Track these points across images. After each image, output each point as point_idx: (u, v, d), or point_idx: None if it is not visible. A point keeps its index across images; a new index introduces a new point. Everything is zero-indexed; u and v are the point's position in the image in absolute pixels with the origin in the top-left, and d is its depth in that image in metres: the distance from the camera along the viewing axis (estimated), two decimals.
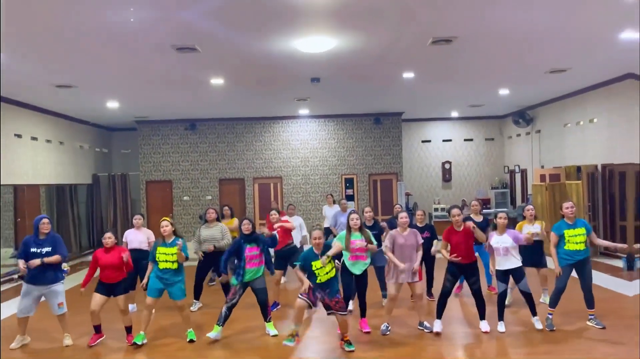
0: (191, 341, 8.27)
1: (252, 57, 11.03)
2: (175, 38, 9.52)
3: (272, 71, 12.34)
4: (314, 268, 7.57)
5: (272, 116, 20.08)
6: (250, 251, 8.38)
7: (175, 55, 10.48)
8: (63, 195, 18.20)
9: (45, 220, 8.35)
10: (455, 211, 8.43)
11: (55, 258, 8.19)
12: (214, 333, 8.26)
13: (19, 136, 15.03)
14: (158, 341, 8.44)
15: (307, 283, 7.56)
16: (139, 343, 8.20)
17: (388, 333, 8.46)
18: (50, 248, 8.18)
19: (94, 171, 20.22)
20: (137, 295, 10.25)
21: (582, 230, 8.39)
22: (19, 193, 15.39)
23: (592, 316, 8.58)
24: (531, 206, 9.70)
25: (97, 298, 8.18)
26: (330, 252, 7.62)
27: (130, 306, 10.05)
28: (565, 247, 8.39)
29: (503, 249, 8.30)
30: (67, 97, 14.31)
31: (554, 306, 8.49)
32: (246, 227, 8.45)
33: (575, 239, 8.34)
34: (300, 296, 7.56)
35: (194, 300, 10.35)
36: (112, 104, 15.92)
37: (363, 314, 8.68)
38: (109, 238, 8.28)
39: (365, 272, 8.50)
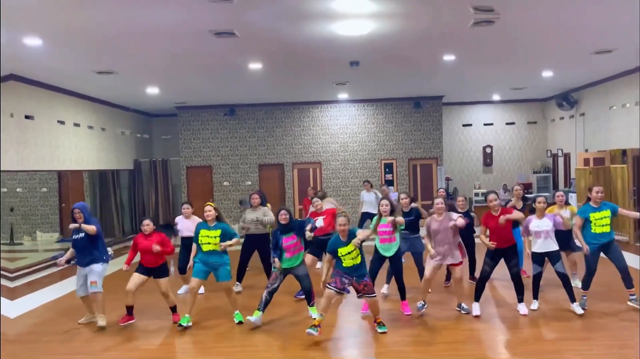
0: (240, 322, 8.42)
1: (291, 41, 10.97)
2: (214, 23, 9.49)
3: (311, 55, 12.26)
4: (339, 254, 7.68)
5: (310, 101, 20.00)
6: (287, 241, 8.41)
7: (214, 40, 10.46)
8: (105, 180, 18.48)
9: (76, 209, 8.56)
10: (491, 196, 8.51)
11: (90, 228, 8.42)
12: (254, 317, 8.31)
13: (61, 122, 15.22)
14: (204, 323, 8.60)
15: (325, 274, 7.86)
16: (184, 324, 8.35)
17: (424, 310, 8.65)
18: (83, 234, 8.46)
19: (135, 156, 20.43)
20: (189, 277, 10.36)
21: (608, 213, 8.50)
22: (63, 179, 15.64)
23: (633, 296, 8.58)
24: (561, 192, 9.84)
25: (135, 277, 8.50)
26: (360, 237, 7.65)
27: (184, 287, 10.52)
28: (592, 230, 8.50)
29: (544, 233, 8.34)
30: (108, 83, 14.43)
31: (587, 289, 8.68)
32: (283, 217, 8.48)
33: (601, 222, 8.45)
34: (328, 285, 7.69)
35: (236, 282, 10.52)
36: (152, 90, 16.02)
37: (403, 296, 8.80)
38: (147, 225, 8.58)
39: (397, 254, 8.68)
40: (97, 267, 8.50)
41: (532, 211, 8.70)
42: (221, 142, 20.42)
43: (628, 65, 14.67)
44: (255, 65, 13.08)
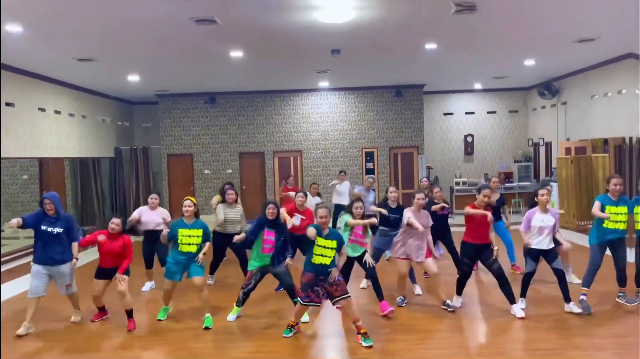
0: (207, 328, 7.85)
1: (272, 29, 10.92)
2: (194, 10, 9.42)
3: (292, 43, 12.22)
4: (317, 242, 7.14)
5: (291, 89, 19.96)
6: (268, 235, 7.94)
7: (195, 27, 10.41)
8: (86, 168, 18.40)
9: (47, 200, 7.84)
10: (486, 191, 8.18)
11: (75, 246, 8.00)
12: (232, 314, 8.19)
13: (42, 110, 15.11)
14: (171, 325, 8.13)
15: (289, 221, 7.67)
16: (163, 318, 8.18)
17: (404, 304, 8.54)
18: (62, 229, 7.85)
19: (116, 144, 20.31)
20: (155, 272, 10.09)
21: (624, 209, 8.09)
22: (44, 166, 15.51)
23: (622, 294, 8.42)
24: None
25: (98, 283, 8.03)
26: (341, 262, 7.52)
27: (149, 284, 10.16)
28: (604, 225, 8.08)
29: (548, 229, 7.92)
30: (88, 70, 14.32)
31: (588, 286, 8.20)
32: (271, 212, 7.94)
33: (617, 217, 8.03)
34: (300, 300, 7.32)
35: (209, 274, 10.23)
36: (133, 77, 15.92)
37: (380, 296, 8.33)
38: (116, 225, 7.97)
39: (364, 255, 8.36)
40: (67, 269, 7.97)
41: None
42: (202, 130, 20.34)
43: (610, 54, 14.76)
44: (236, 53, 13.01)
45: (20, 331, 7.76)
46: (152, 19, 9.87)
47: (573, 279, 9.46)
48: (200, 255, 7.95)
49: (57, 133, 15.95)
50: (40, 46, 11.66)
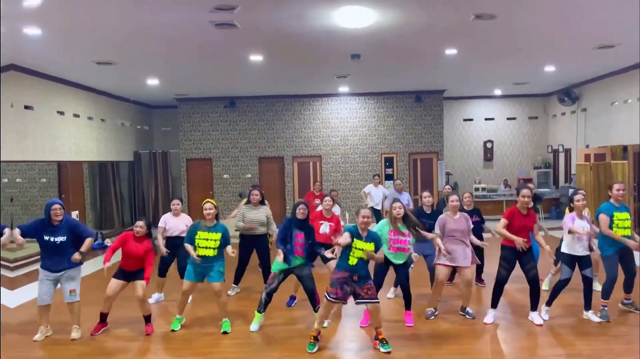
0: (225, 332, 7.76)
1: (292, 33, 10.91)
2: (214, 14, 9.41)
3: (312, 47, 12.20)
4: (353, 244, 6.91)
5: (311, 94, 19.93)
6: (298, 237, 7.81)
7: (215, 31, 10.41)
8: (105, 171, 18.44)
9: (57, 206, 7.50)
10: (525, 191, 7.70)
11: (88, 241, 7.62)
12: (255, 324, 7.93)
13: (61, 113, 15.19)
14: (192, 331, 8.00)
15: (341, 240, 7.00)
16: (177, 328, 7.94)
17: (432, 317, 8.20)
18: (65, 237, 7.47)
19: (135, 148, 20.39)
20: (167, 284, 9.68)
21: (628, 215, 7.99)
22: (63, 169, 15.57)
23: (629, 300, 8.32)
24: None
25: (114, 284, 7.82)
26: (378, 256, 7.16)
27: (156, 296, 9.61)
28: (613, 231, 7.90)
29: (586, 235, 7.72)
30: (108, 74, 14.37)
31: (608, 298, 8.00)
32: (302, 212, 7.86)
33: (624, 224, 7.90)
34: (327, 295, 7.02)
35: (233, 284, 10.01)
36: (152, 81, 15.97)
37: (408, 306, 8.07)
38: (140, 228, 7.82)
39: (406, 262, 7.92)
40: (74, 273, 7.68)
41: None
42: (221, 134, 20.36)
43: (630, 61, 14.60)
44: (255, 57, 13.02)
45: (37, 336, 7.64)
46: (172, 22, 9.87)
47: (596, 286, 9.11)
48: (229, 251, 7.81)
49: (76, 136, 16.03)
50: (59, 49, 11.71)
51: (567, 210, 8.74)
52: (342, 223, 9.61)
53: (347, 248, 6.99)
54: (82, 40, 11.02)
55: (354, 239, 6.95)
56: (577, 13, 9.90)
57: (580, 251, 7.76)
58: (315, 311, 7.84)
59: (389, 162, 20.21)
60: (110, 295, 7.80)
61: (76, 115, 16.01)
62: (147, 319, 7.93)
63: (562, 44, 12.43)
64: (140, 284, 7.72)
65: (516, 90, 20.20)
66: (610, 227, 7.93)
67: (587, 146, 18.05)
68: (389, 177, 19.67)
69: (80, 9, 8.92)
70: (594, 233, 7.97)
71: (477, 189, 20.22)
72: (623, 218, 7.93)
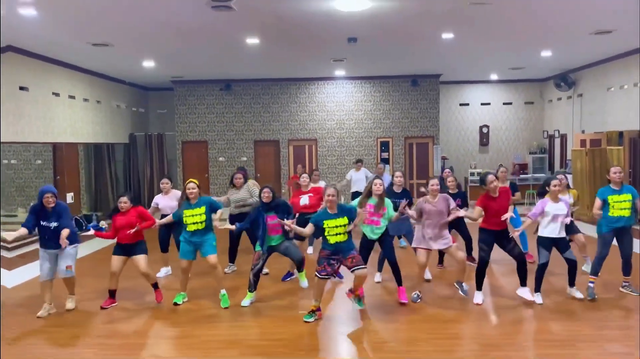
0: (226, 308, 8.11)
1: (289, 16, 10.87)
2: None
3: (309, 30, 12.17)
4: (325, 225, 7.32)
5: (307, 77, 19.90)
6: (271, 219, 8.22)
7: (211, 13, 10.37)
8: (100, 153, 18.43)
9: (49, 195, 7.88)
10: (490, 177, 8.00)
11: (64, 233, 7.75)
12: (246, 300, 8.29)
13: (56, 94, 15.14)
14: (190, 304, 8.38)
15: (299, 230, 7.62)
16: (180, 302, 8.30)
17: (419, 301, 8.29)
18: (58, 223, 7.87)
19: (130, 130, 20.35)
20: (170, 258, 10.08)
21: (629, 196, 8.15)
22: (58, 151, 15.55)
23: (627, 284, 8.48)
24: (562, 176, 9.11)
25: (115, 260, 8.16)
26: (357, 220, 7.51)
27: (164, 269, 10.16)
28: (609, 214, 8.16)
29: (561, 217, 7.90)
30: (104, 55, 14.33)
31: (596, 274, 8.28)
32: (266, 196, 8.29)
33: (621, 205, 8.11)
34: (317, 274, 7.41)
35: (229, 263, 10.36)
36: (148, 63, 15.92)
37: (399, 281, 8.31)
38: (124, 203, 8.20)
39: (386, 238, 8.27)
40: (72, 250, 8.04)
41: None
42: (217, 117, 20.34)
43: (627, 47, 14.62)
44: (252, 40, 12.98)
45: (41, 313, 7.90)
46: (168, 4, 9.84)
47: (589, 268, 9.25)
48: (216, 217, 8.24)
49: (71, 118, 16.00)
50: (55, 30, 11.66)
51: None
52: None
53: (322, 232, 7.39)
54: (78, 21, 10.96)
55: (324, 221, 7.33)
56: None
57: (555, 233, 7.93)
58: (299, 271, 8.64)
59: (384, 146, 20.22)
60: (114, 271, 8.16)
61: (72, 97, 15.96)
62: (155, 286, 8.40)
63: (558, 29, 12.43)
64: (141, 258, 8.15)
65: (512, 75, 20.20)
66: (607, 209, 8.18)
67: (583, 131, 18.08)
68: (384, 161, 19.62)
69: None
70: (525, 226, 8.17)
71: (472, 174, 20.22)
72: (621, 200, 8.13)
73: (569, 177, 15.79)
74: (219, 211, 8.35)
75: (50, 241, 7.88)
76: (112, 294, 8.34)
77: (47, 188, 8.05)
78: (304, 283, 8.63)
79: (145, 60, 15.58)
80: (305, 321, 7.45)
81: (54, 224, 7.85)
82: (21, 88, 13.47)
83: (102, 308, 8.20)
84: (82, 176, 17.48)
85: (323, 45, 13.90)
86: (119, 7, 9.93)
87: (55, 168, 15.56)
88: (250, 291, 8.33)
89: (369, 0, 9.86)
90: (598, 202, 8.30)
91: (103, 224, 8.87)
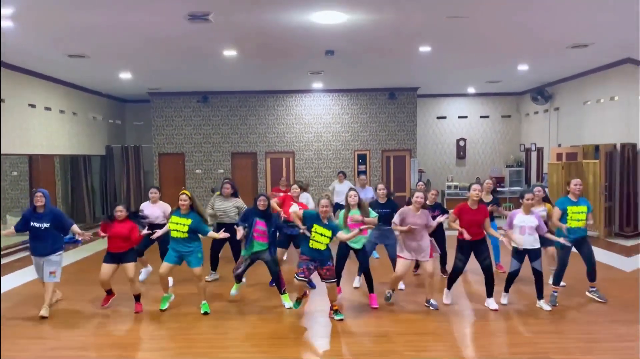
0: (205, 313, 8.38)
1: (266, 29, 10.87)
2: (187, 8, 9.35)
3: (286, 43, 12.17)
4: (313, 229, 7.85)
5: (285, 89, 19.91)
6: (259, 224, 8.55)
7: (188, 26, 10.33)
8: (77, 165, 18.30)
9: (39, 194, 8.43)
10: (476, 186, 8.53)
11: (74, 228, 8.68)
12: (234, 290, 9.07)
13: (32, 106, 15.01)
14: (174, 310, 8.65)
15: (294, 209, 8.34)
16: (165, 307, 8.63)
17: (391, 300, 8.78)
18: (49, 224, 8.35)
19: (107, 142, 20.20)
20: (149, 258, 10.53)
21: (584, 208, 8.65)
22: (34, 163, 15.40)
23: (594, 289, 8.90)
24: (540, 188, 9.69)
25: (106, 268, 8.47)
26: (343, 237, 8.09)
27: (145, 270, 10.58)
28: (567, 224, 8.58)
29: (529, 228, 8.26)
30: (80, 67, 14.23)
31: (558, 284, 8.76)
32: (262, 203, 8.62)
33: (577, 216, 8.57)
34: (296, 276, 7.89)
35: (211, 271, 10.62)
36: (125, 75, 15.84)
37: (371, 289, 8.78)
38: (120, 211, 8.54)
39: (364, 247, 8.75)
40: (57, 258, 8.47)
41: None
42: (194, 129, 20.27)
43: (603, 60, 14.79)
44: (229, 52, 12.96)
45: (42, 312, 8.32)
46: (145, 16, 9.79)
47: None
48: (212, 234, 8.56)
49: (48, 129, 15.84)
50: (31, 42, 11.54)
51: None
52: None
53: (309, 232, 7.91)
54: (54, 33, 10.88)
55: (314, 224, 7.87)
56: (551, 12, 9.97)
57: (526, 244, 8.28)
58: (281, 293, 8.85)
59: (361, 159, 20.25)
60: (103, 279, 8.52)
61: (47, 109, 15.82)
62: (137, 298, 8.65)
63: (535, 42, 12.53)
64: (130, 266, 8.50)
65: (489, 89, 20.34)
66: (565, 220, 8.62)
67: (559, 145, 18.23)
68: (361, 173, 19.57)
69: (52, 1, 8.81)
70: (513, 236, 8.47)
71: (449, 187, 20.34)
72: (578, 211, 8.60)
73: (546, 190, 15.93)
74: (212, 233, 8.61)
75: (39, 243, 8.35)
76: (108, 292, 8.78)
77: (40, 189, 8.75)
78: (287, 304, 8.73)
79: (121, 72, 15.49)
80: (297, 308, 8.30)
81: (45, 225, 8.30)
82: None
83: (103, 306, 8.76)
84: (58, 188, 17.29)
85: (300, 57, 13.91)
86: (96, 18, 9.85)
87: (31, 179, 15.40)
88: (237, 282, 9.04)
89: (346, 14, 9.88)
90: (558, 212, 8.71)
91: (79, 237, 9.07)
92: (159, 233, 8.85)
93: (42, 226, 8.31)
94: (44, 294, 8.45)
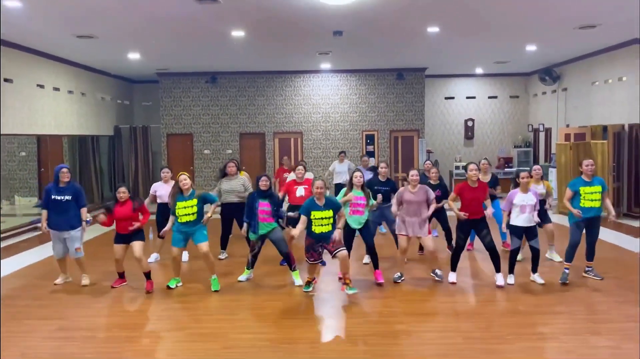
0: (215, 291, 8.53)
1: (274, 9, 10.85)
2: None
3: (294, 23, 12.15)
4: (312, 217, 7.89)
5: (293, 70, 19.89)
6: (263, 206, 8.66)
7: (196, 6, 10.33)
8: (85, 145, 18.34)
9: (65, 169, 8.73)
10: (472, 166, 8.57)
11: (83, 212, 8.91)
12: (243, 275, 9.08)
13: (41, 86, 15.04)
14: (182, 290, 8.76)
15: (294, 232, 8.08)
16: (173, 286, 8.73)
17: (400, 281, 8.87)
18: (70, 197, 8.69)
19: (115, 123, 20.26)
20: (163, 246, 10.54)
21: (599, 188, 8.60)
22: (42, 143, 15.48)
23: (590, 268, 9.00)
24: (539, 166, 9.91)
25: (117, 248, 8.63)
26: (340, 224, 8.13)
27: (154, 255, 10.66)
28: (581, 204, 8.56)
29: (529, 207, 8.42)
30: (88, 47, 14.25)
31: (570, 261, 8.75)
32: (264, 184, 8.76)
33: (591, 196, 8.54)
34: (307, 260, 8.13)
35: (221, 250, 10.77)
36: (134, 55, 15.84)
37: (376, 266, 8.91)
38: (123, 193, 8.63)
39: (367, 225, 8.80)
40: (78, 233, 8.79)
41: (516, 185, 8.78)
42: (202, 109, 20.29)
43: (611, 41, 14.72)
44: (237, 33, 12.95)
45: (58, 280, 8.99)
46: None
47: (555, 256, 10.12)
48: (205, 217, 8.59)
49: (56, 110, 15.89)
50: (39, 22, 11.57)
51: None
52: None
53: (309, 221, 7.94)
54: (62, 13, 10.89)
55: (312, 212, 7.90)
56: None
57: (525, 222, 8.48)
58: (292, 270, 8.96)
59: (370, 139, 20.26)
60: (117, 258, 8.70)
61: (56, 89, 15.86)
62: (147, 276, 8.72)
63: (543, 23, 12.48)
64: (137, 244, 8.60)
65: (498, 69, 20.28)
66: (578, 200, 8.60)
67: (568, 125, 18.19)
68: (370, 154, 19.63)
69: None
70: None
71: (457, 167, 20.30)
72: (591, 191, 8.57)
73: (554, 170, 15.93)
74: (213, 206, 8.93)
75: (60, 216, 8.66)
76: (121, 275, 8.95)
77: (62, 164, 9.10)
78: (297, 281, 8.83)
79: (130, 52, 15.50)
80: (305, 292, 8.27)
81: (67, 197, 8.66)
82: (5, 80, 13.34)
83: (112, 287, 8.83)
84: None
85: (309, 38, 13.89)
86: None
87: (39, 160, 15.50)
88: (247, 268, 9.08)
89: None
90: (569, 193, 8.71)
91: (88, 217, 9.16)
92: (167, 227, 8.82)
93: (63, 199, 8.62)
94: (66, 266, 9.05)
